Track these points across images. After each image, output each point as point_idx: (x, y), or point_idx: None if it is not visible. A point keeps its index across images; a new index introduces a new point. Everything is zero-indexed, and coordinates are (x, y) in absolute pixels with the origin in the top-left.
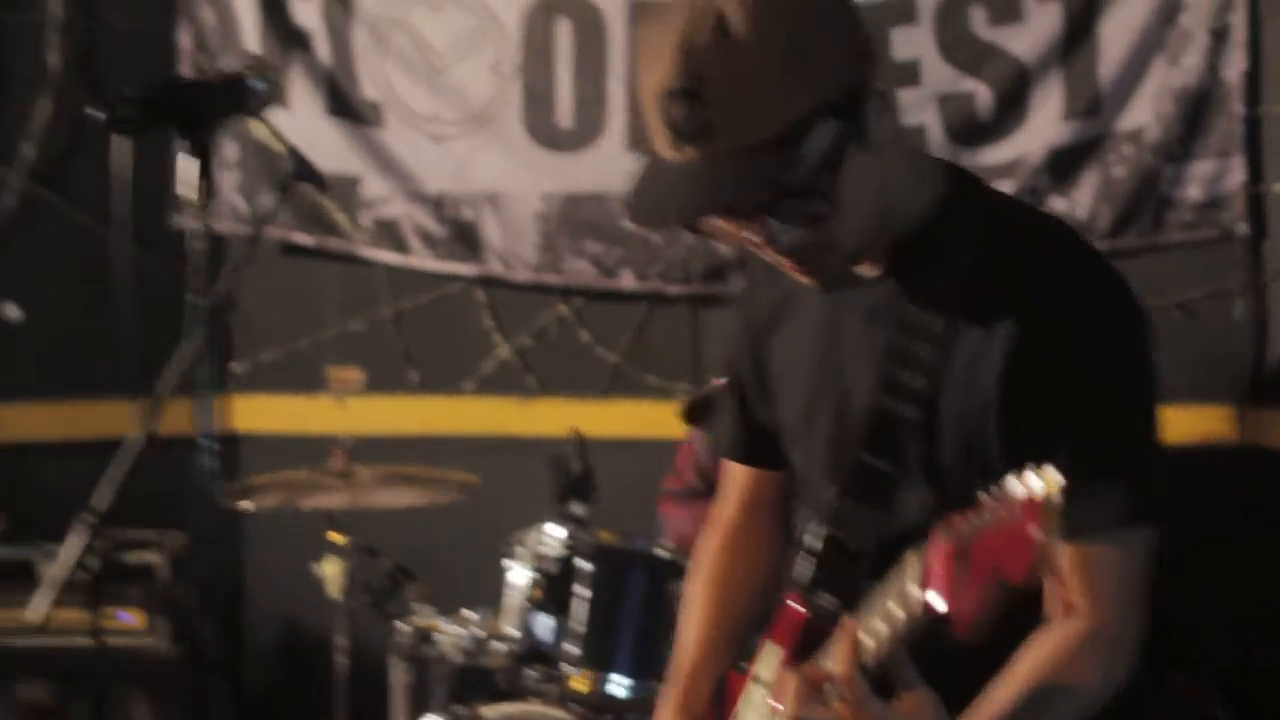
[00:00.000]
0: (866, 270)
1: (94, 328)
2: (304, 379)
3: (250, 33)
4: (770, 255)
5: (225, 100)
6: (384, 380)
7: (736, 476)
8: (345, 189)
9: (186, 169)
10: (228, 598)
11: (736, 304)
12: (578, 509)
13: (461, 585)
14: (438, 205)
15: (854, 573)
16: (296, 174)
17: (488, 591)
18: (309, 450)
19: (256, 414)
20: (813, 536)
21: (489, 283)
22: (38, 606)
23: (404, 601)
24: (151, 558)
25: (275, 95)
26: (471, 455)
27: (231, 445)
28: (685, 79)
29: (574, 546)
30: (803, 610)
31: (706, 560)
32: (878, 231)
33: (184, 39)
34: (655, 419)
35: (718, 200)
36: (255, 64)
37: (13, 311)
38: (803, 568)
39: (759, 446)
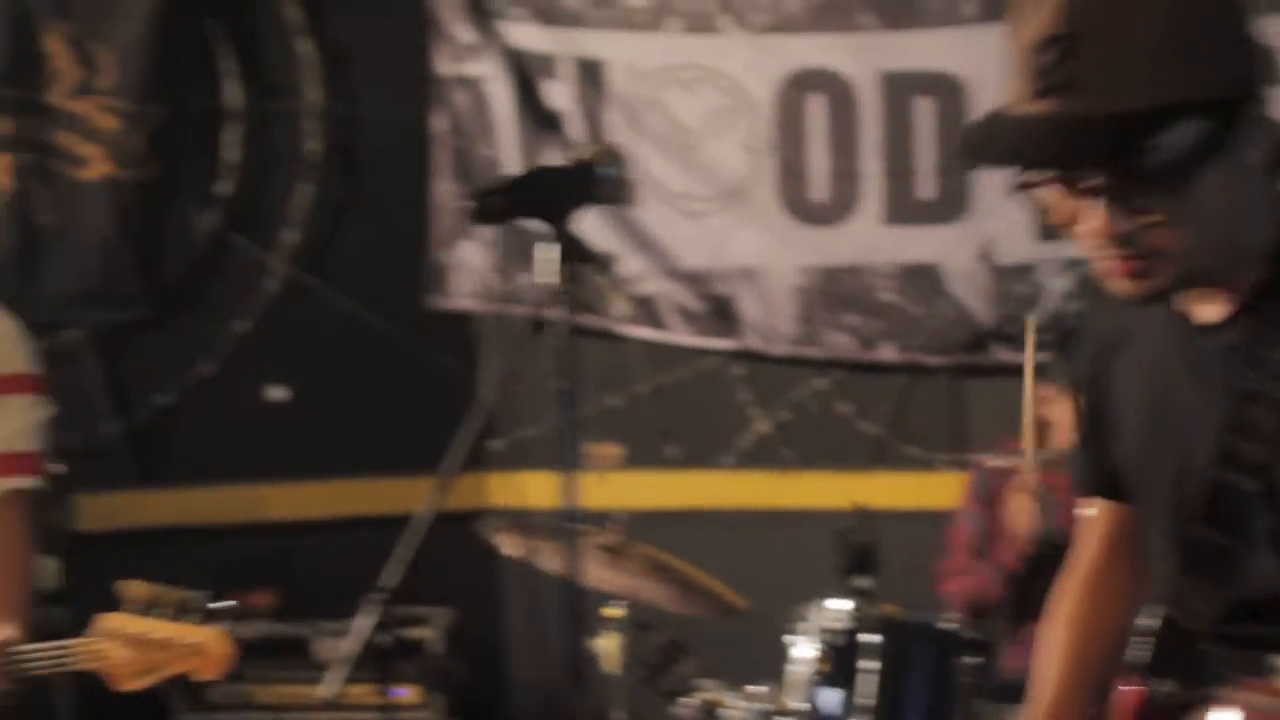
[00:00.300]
0: (1197, 309)
1: (355, 407)
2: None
3: (505, 116)
4: (1095, 246)
5: (579, 188)
6: (642, 455)
7: (1096, 516)
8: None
9: (546, 256)
10: (492, 671)
11: (1078, 326)
12: (862, 582)
13: (731, 659)
14: (694, 281)
15: (1193, 655)
16: (574, 254)
17: (758, 665)
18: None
19: (514, 490)
20: (1149, 617)
21: (746, 357)
22: (331, 683)
23: (679, 676)
24: (424, 633)
25: (624, 183)
26: (733, 529)
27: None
28: (1063, 28)
29: (859, 620)
30: (1141, 695)
31: (1066, 602)
32: (1215, 258)
33: (439, 124)
34: (918, 491)
35: (1066, 156)
36: (604, 152)
37: (279, 393)
38: (1140, 650)
39: (1114, 479)
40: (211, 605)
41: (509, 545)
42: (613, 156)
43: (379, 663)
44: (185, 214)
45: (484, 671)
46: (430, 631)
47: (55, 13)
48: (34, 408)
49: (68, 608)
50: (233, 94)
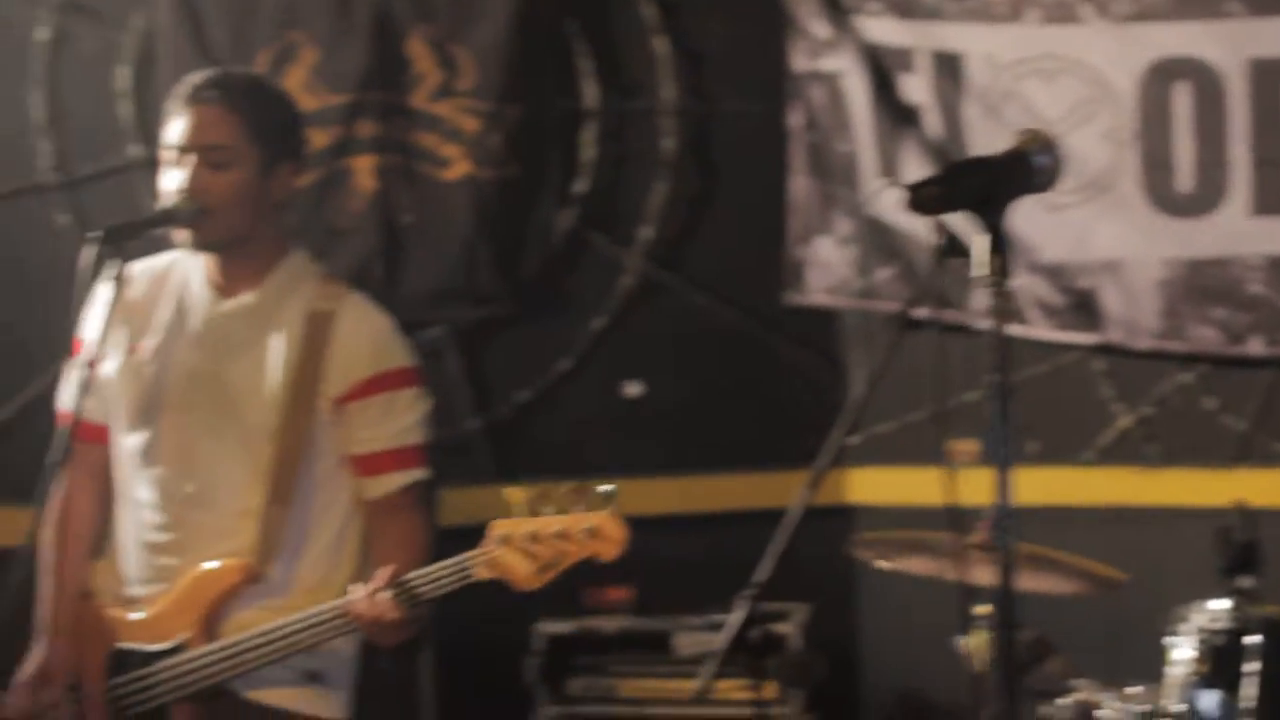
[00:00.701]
0: None
1: (710, 403)
2: (916, 451)
3: (861, 110)
4: None
5: (1014, 177)
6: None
7: None
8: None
9: (980, 248)
10: (847, 668)
11: None
12: (1244, 582)
13: (1100, 659)
14: (1055, 275)
15: None
16: (949, 249)
17: (1128, 665)
18: (922, 522)
19: (871, 487)
20: None
21: (1108, 351)
22: (703, 677)
23: (1047, 675)
24: (783, 628)
25: (1058, 171)
26: (1096, 527)
27: (847, 517)
28: None
29: (1241, 621)
30: None
31: None
32: None
33: (794, 120)
34: None
35: None
36: (1034, 138)
37: (635, 389)
38: None
39: None
40: (599, 489)
41: (872, 554)
42: (1045, 143)
43: (746, 658)
44: (544, 212)
45: (839, 668)
46: (789, 627)
47: (417, 16)
48: (418, 400)
49: None
50: (590, 93)
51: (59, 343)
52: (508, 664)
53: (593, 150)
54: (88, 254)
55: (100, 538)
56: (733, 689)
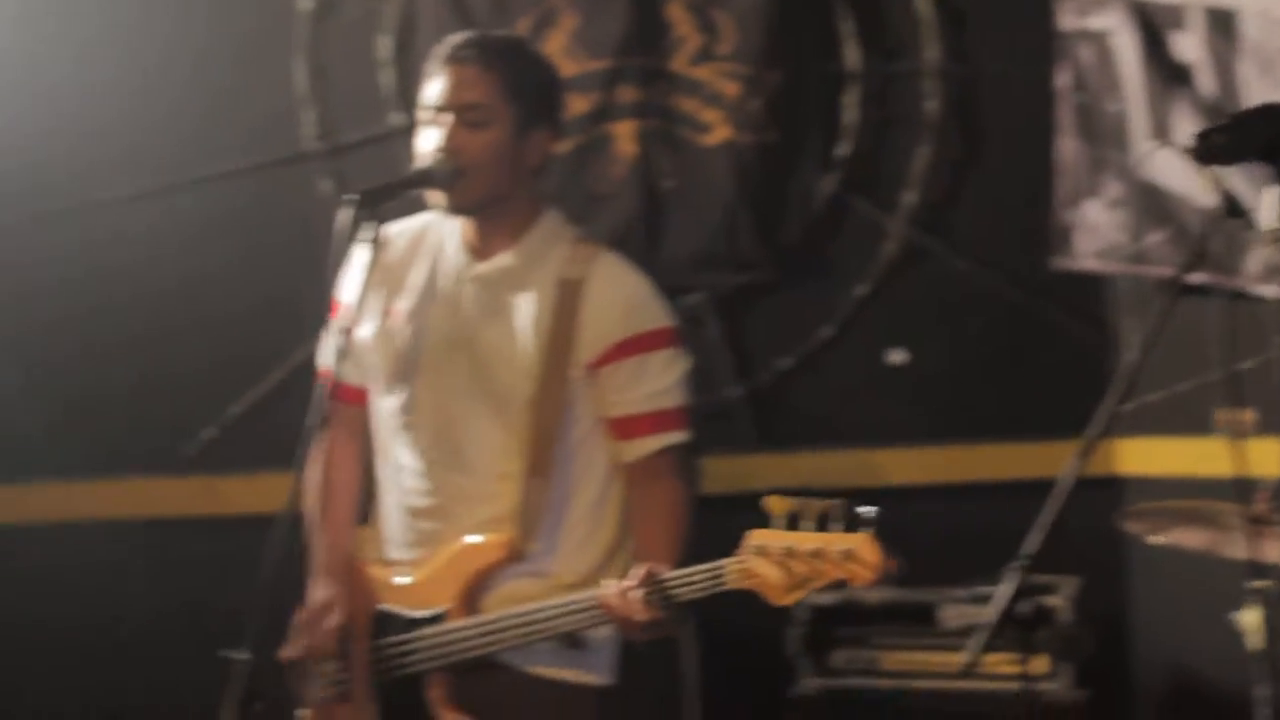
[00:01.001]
0: None
1: (974, 371)
2: (1187, 421)
3: (1131, 69)
4: None
5: None
6: (1275, 422)
7: None
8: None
9: (1271, 200)
10: (1118, 643)
11: None
12: None
13: None
14: None
15: None
16: (1229, 211)
17: None
18: (1194, 494)
19: (1141, 457)
20: None
21: None
22: (972, 650)
23: None
24: (1053, 601)
25: None
26: None
27: (1117, 488)
28: None
29: None
30: None
31: None
32: None
33: (1061, 80)
34: None
35: None
36: None
37: (898, 356)
38: None
39: None
40: (859, 510)
41: (1144, 528)
42: None
43: (1015, 631)
44: (805, 177)
45: (1109, 643)
46: (1059, 600)
47: None
48: (674, 362)
49: None
50: (851, 56)
51: (323, 308)
52: (770, 636)
53: (854, 114)
54: (344, 216)
55: (363, 497)
56: (1000, 663)
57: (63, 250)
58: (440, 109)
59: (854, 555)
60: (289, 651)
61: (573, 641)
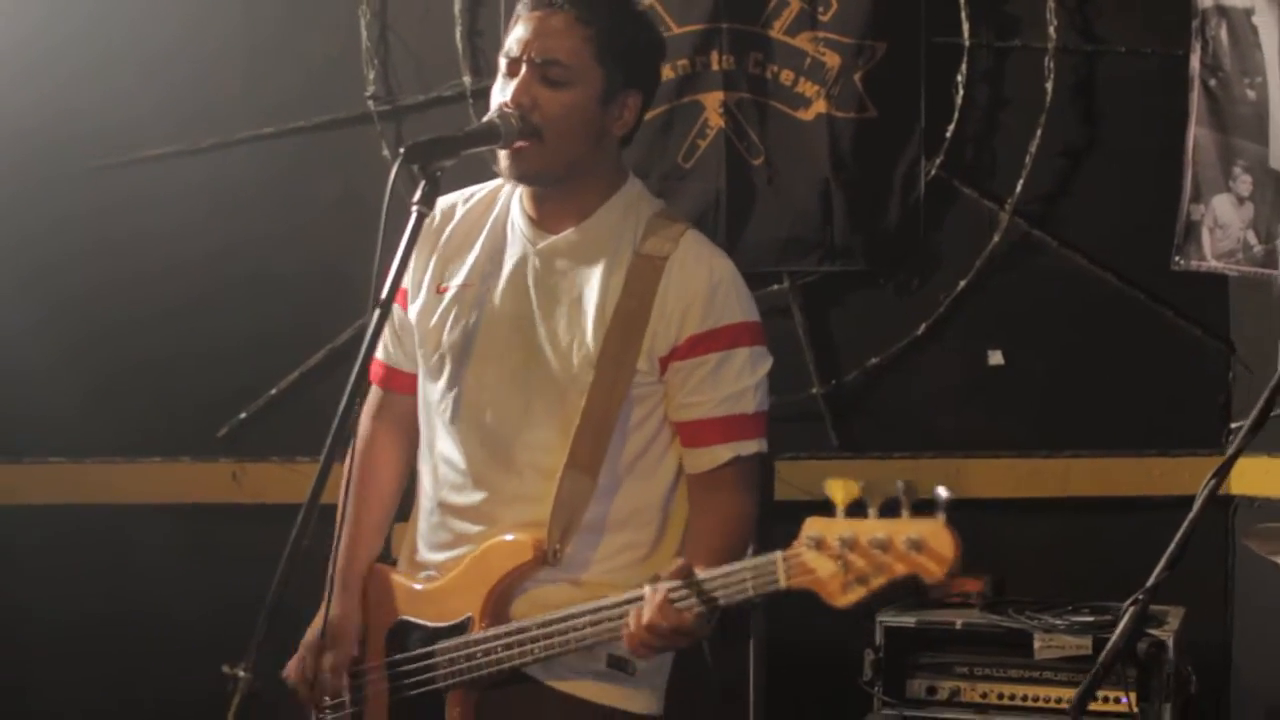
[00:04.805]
0: None
1: (1080, 376)
2: None
3: (1273, 52)
4: None
5: None
6: None
7: None
8: None
9: None
10: (1222, 674)
11: None
12: None
13: None
14: None
15: None
16: None
17: None
18: None
19: (1256, 476)
20: None
21: None
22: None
23: None
24: (1160, 634)
25: None
26: None
27: (1225, 509)
28: None
29: None
30: None
31: None
32: None
33: (1196, 62)
34: None
35: None
36: None
37: (997, 357)
38: None
39: None
40: (937, 490)
41: (1266, 547)
42: None
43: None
44: (906, 159)
45: (1208, 675)
46: (1163, 633)
47: None
48: (757, 362)
49: None
50: (964, 29)
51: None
52: (843, 660)
53: (964, 93)
54: (392, 176)
55: (402, 494)
56: (1109, 697)
57: (106, 210)
58: (517, 60)
59: (923, 545)
60: (290, 673)
61: (620, 664)
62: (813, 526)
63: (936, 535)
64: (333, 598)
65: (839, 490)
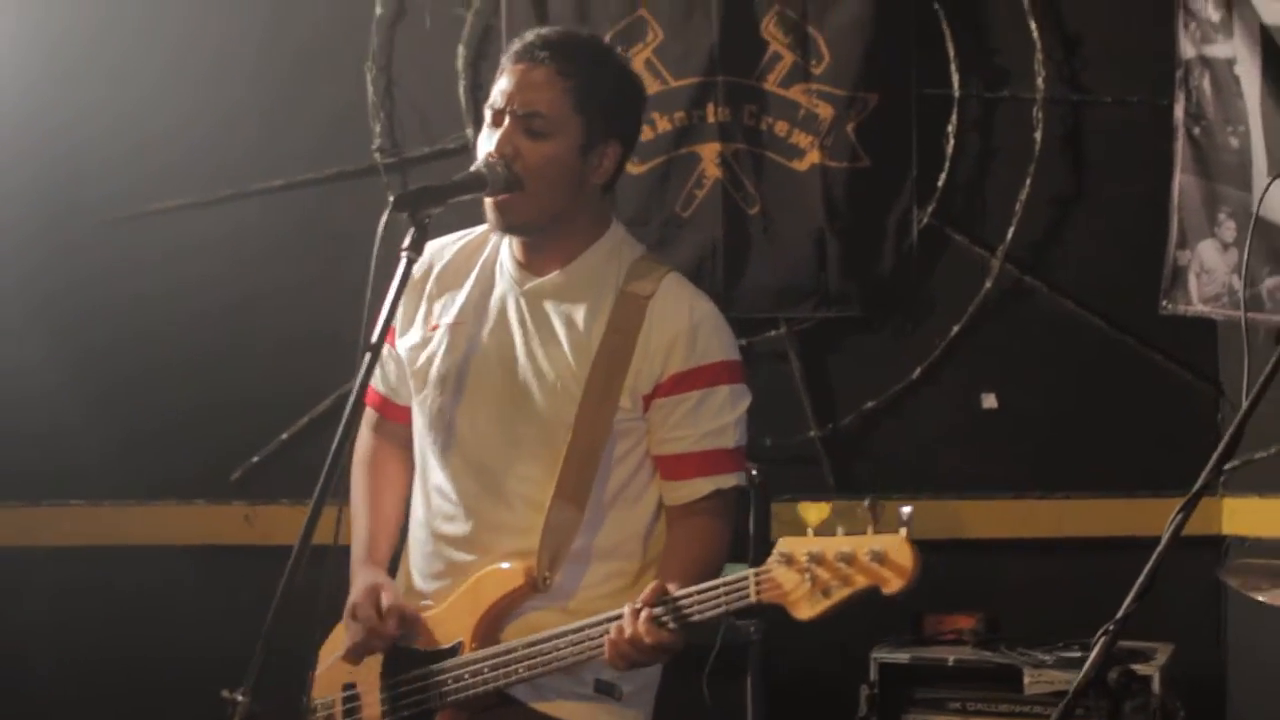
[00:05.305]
0: None
1: (1071, 419)
2: None
3: (1254, 102)
4: None
5: None
6: None
7: None
8: None
9: None
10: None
11: None
12: None
13: None
14: None
15: None
16: None
17: None
18: None
19: (1247, 516)
20: None
21: None
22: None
23: None
24: (1145, 669)
25: None
26: None
27: (1217, 548)
28: None
29: None
30: None
31: None
32: None
33: (1180, 111)
34: None
35: None
36: None
37: (990, 401)
38: None
39: None
40: (902, 509)
41: (1245, 584)
42: None
43: (1103, 702)
44: (899, 208)
45: (1203, 712)
46: (1150, 668)
47: None
48: (736, 398)
49: None
50: (954, 81)
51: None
52: (839, 694)
53: (954, 142)
54: (382, 223)
55: (408, 495)
56: None
57: (124, 264)
58: (501, 111)
59: (885, 558)
60: (344, 644)
61: (607, 688)
62: (784, 545)
63: (898, 549)
64: (359, 575)
65: (811, 512)
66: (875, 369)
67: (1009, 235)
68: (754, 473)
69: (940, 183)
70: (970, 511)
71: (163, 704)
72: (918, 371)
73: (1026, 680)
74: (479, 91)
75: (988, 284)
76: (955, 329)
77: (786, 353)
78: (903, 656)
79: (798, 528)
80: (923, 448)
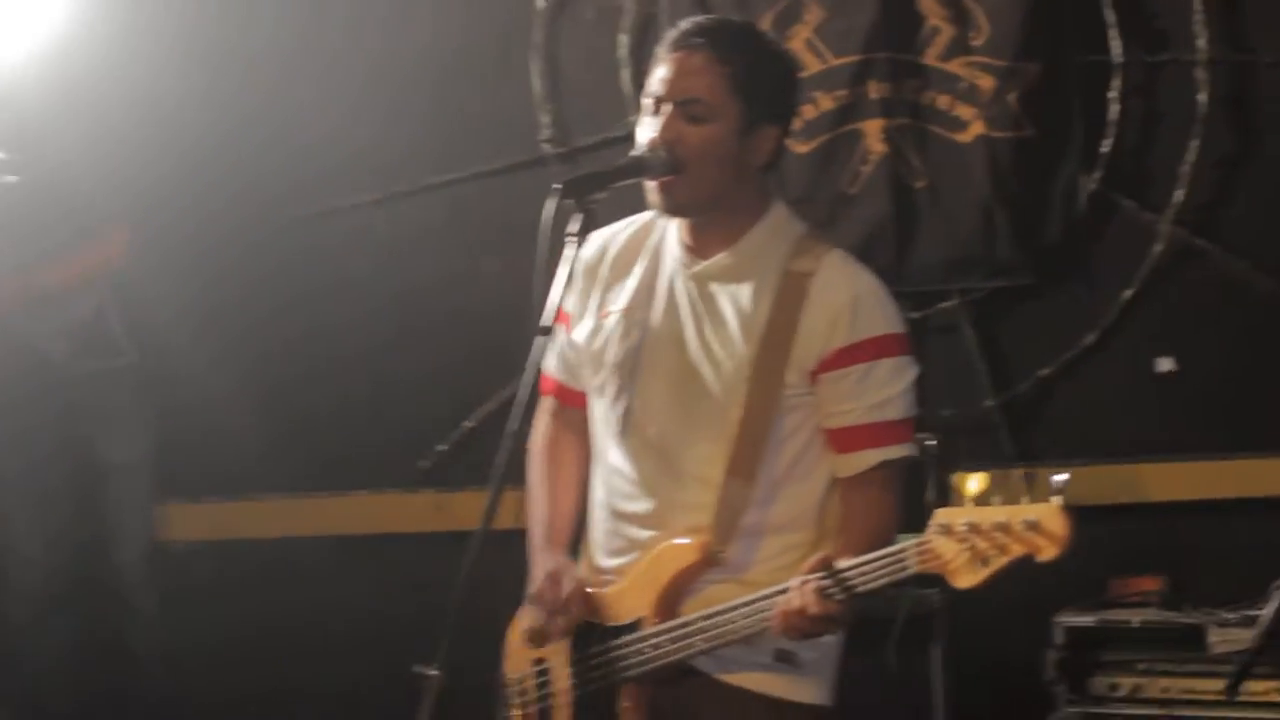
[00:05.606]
0: None
1: (1247, 380)
2: None
3: None
4: None
5: None
6: None
7: None
8: None
9: None
10: None
11: None
12: None
13: None
14: None
15: None
16: None
17: None
18: None
19: None
20: None
21: None
22: (1232, 677)
23: None
24: None
25: None
26: None
27: None
28: None
29: None
30: None
31: None
32: None
33: None
34: None
35: None
36: None
37: (1166, 364)
38: None
39: None
40: (1054, 478)
41: None
42: None
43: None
44: (1065, 175)
45: None
46: None
47: None
48: (902, 370)
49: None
50: (1115, 46)
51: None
52: (1025, 659)
53: (1119, 107)
54: (549, 209)
55: (586, 480)
56: (1272, 690)
57: (300, 261)
58: (660, 98)
59: (1038, 526)
60: (525, 623)
61: (786, 657)
62: (941, 515)
63: (1051, 517)
64: (540, 559)
65: (968, 482)
66: (1048, 336)
67: (1178, 198)
68: (929, 443)
69: (1105, 148)
70: (1150, 475)
71: (359, 688)
72: (1092, 337)
73: (1211, 640)
74: (643, 79)
75: (1158, 247)
76: (1127, 293)
77: (959, 324)
78: (1088, 620)
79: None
80: (1100, 412)
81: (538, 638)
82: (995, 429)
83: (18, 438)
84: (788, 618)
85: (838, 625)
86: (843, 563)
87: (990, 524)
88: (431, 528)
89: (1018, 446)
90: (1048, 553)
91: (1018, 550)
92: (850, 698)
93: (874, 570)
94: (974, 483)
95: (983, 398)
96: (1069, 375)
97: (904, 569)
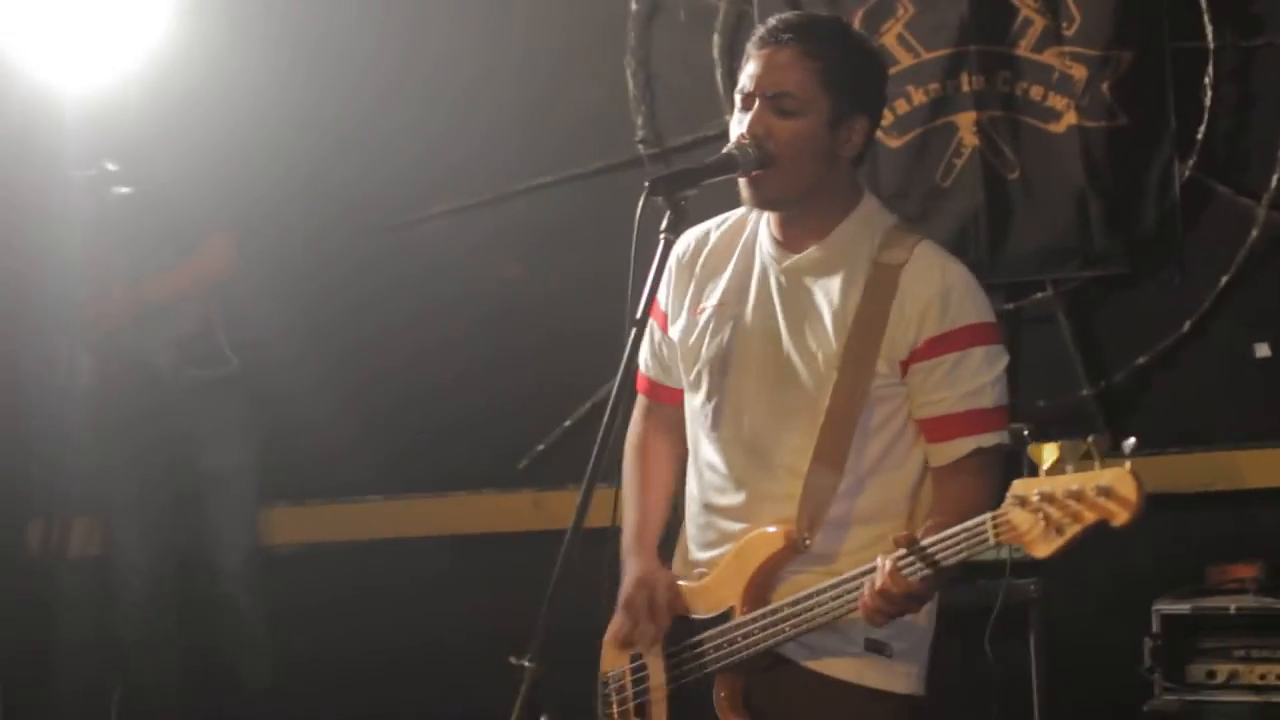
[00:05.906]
0: None
1: None
2: None
3: None
4: None
5: None
6: None
7: None
8: None
9: None
10: None
11: None
12: None
13: None
14: None
15: None
16: None
17: None
18: None
19: None
20: None
21: None
22: None
23: None
24: None
25: None
26: None
27: None
28: None
29: None
30: None
31: None
32: None
33: None
34: None
35: None
36: None
37: (1264, 350)
38: None
39: None
40: (1124, 442)
41: None
42: None
43: None
44: (1159, 163)
45: None
46: None
47: None
48: (994, 358)
49: None
50: (1208, 32)
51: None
52: (1122, 648)
53: (1212, 94)
54: (642, 206)
55: (678, 479)
56: None
57: (403, 267)
58: (751, 94)
59: (1111, 491)
60: (613, 631)
61: (877, 646)
62: (1017, 487)
63: (1122, 481)
64: (631, 564)
65: (1042, 452)
66: (1144, 325)
67: (1275, 183)
68: (1025, 433)
69: (1200, 135)
70: (1248, 461)
71: (460, 683)
72: (1188, 324)
73: None
74: (735, 78)
75: (1254, 233)
76: (1224, 280)
77: (1054, 314)
78: (1184, 607)
79: None
80: (1196, 400)
81: (630, 644)
82: (1092, 419)
83: (130, 452)
84: (873, 598)
85: (921, 603)
86: (924, 539)
87: (1063, 492)
88: (530, 527)
89: (1114, 435)
90: (1120, 518)
91: (1090, 517)
92: (945, 688)
93: (954, 544)
94: (1046, 452)
95: (1079, 388)
96: (1165, 364)
97: (983, 540)
